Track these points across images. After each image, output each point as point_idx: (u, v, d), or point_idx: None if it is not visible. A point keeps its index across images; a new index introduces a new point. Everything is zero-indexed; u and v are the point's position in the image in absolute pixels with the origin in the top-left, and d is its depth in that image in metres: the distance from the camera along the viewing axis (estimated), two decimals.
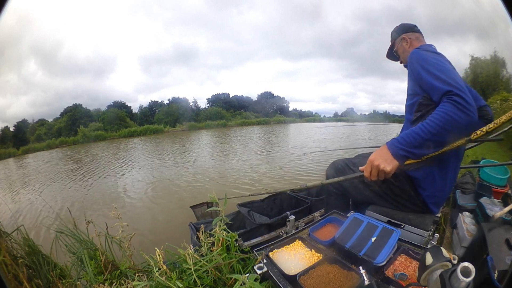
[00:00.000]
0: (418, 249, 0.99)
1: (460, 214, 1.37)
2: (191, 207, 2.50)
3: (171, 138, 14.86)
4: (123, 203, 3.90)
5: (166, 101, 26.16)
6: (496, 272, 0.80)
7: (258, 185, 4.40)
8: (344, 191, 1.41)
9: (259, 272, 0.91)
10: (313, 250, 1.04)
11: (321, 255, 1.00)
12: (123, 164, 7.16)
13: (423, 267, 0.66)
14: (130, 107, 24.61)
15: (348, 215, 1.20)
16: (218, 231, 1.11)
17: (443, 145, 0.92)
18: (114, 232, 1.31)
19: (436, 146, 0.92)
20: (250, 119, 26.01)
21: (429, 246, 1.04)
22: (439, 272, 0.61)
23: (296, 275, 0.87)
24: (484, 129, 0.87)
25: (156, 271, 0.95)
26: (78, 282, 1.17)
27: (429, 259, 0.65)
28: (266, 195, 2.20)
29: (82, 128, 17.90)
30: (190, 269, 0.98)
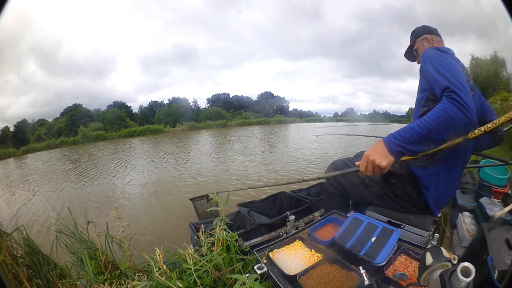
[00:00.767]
0: (418, 249, 0.99)
1: (460, 214, 1.37)
2: (191, 199, 2.51)
3: (171, 138, 14.86)
4: (123, 203, 3.90)
5: (166, 101, 26.19)
6: (496, 272, 0.80)
7: (257, 180, 4.41)
8: (344, 191, 1.41)
9: (259, 272, 0.91)
10: (313, 250, 1.04)
11: (321, 255, 1.00)
12: (122, 164, 7.16)
13: (423, 267, 0.66)
14: (130, 107, 24.64)
15: (348, 215, 1.20)
16: (218, 231, 1.11)
17: (440, 142, 0.92)
18: (114, 232, 1.31)
19: (433, 143, 0.92)
20: (250, 119, 26.01)
21: (429, 246, 1.04)
22: (439, 272, 0.61)
23: (296, 275, 0.87)
24: (483, 128, 0.87)
25: (156, 271, 0.96)
26: (78, 282, 1.17)
27: (429, 259, 0.65)
28: (266, 194, 2.19)
29: (82, 128, 17.90)
30: (190, 269, 0.98)
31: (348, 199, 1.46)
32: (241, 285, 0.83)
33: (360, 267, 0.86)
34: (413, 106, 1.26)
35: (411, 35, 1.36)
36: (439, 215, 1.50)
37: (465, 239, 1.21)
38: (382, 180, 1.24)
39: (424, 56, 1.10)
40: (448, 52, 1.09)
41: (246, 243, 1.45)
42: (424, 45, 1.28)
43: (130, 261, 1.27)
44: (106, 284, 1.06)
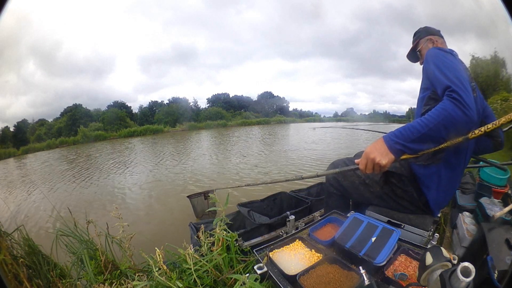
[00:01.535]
0: (418, 249, 0.99)
1: (460, 214, 1.37)
2: (188, 196, 2.51)
3: (170, 138, 14.86)
4: (122, 203, 3.90)
5: (166, 101, 26.18)
6: (496, 272, 0.80)
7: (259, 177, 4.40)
8: (344, 191, 1.41)
9: (259, 272, 0.91)
10: (313, 250, 1.04)
11: (321, 255, 1.00)
12: (122, 164, 7.16)
13: (423, 267, 0.66)
14: (130, 107, 24.60)
15: (348, 215, 1.20)
16: (218, 231, 1.11)
17: (440, 142, 0.92)
18: (114, 232, 1.31)
19: (432, 142, 0.92)
20: (250, 119, 26.01)
21: (429, 246, 1.04)
22: (439, 272, 0.61)
23: (296, 275, 0.87)
24: (483, 129, 0.87)
25: (156, 271, 0.96)
26: (78, 282, 1.17)
27: (429, 259, 0.65)
28: (266, 194, 2.19)
29: (82, 128, 17.89)
30: (190, 269, 0.98)
31: (348, 199, 1.46)
32: (241, 285, 0.83)
33: (360, 267, 0.86)
34: (413, 106, 1.27)
35: (414, 36, 1.36)
36: (439, 215, 1.50)
37: (465, 239, 1.21)
38: (382, 180, 1.24)
39: (427, 55, 1.10)
40: (452, 53, 1.09)
41: (246, 243, 1.45)
42: (428, 46, 1.28)
43: (130, 261, 1.27)
44: (106, 284, 1.06)
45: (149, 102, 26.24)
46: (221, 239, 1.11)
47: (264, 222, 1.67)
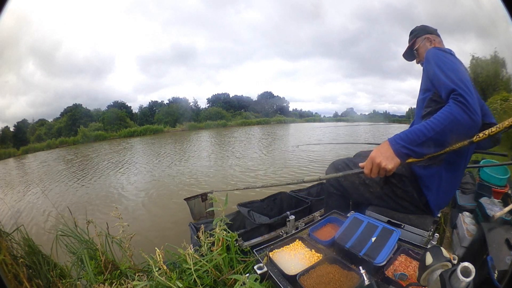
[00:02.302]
0: (418, 249, 0.99)
1: (460, 214, 1.37)
2: (185, 199, 2.51)
3: (170, 138, 14.86)
4: (122, 203, 3.90)
5: (166, 101, 26.20)
6: (496, 272, 0.80)
7: (256, 180, 4.41)
8: (344, 192, 1.41)
9: (259, 272, 0.91)
10: (313, 250, 1.04)
11: (321, 255, 1.00)
12: (122, 165, 7.16)
13: (423, 267, 0.66)
14: (130, 107, 24.63)
15: (348, 215, 1.20)
16: (218, 231, 1.11)
17: (445, 145, 0.92)
18: (114, 232, 1.31)
19: (438, 146, 0.92)
20: (250, 119, 26.01)
21: (429, 246, 1.04)
22: (439, 272, 0.61)
23: (296, 275, 0.87)
24: (487, 132, 0.87)
25: (156, 271, 0.96)
26: (78, 282, 1.17)
27: (429, 259, 0.65)
28: (266, 194, 2.19)
29: (82, 128, 17.89)
30: (190, 269, 0.98)
31: (348, 199, 1.46)
32: (241, 285, 0.83)
33: (360, 267, 0.86)
34: (413, 106, 1.26)
35: (411, 34, 1.36)
36: (439, 215, 1.50)
37: (465, 239, 1.21)
38: (382, 180, 1.24)
39: (428, 56, 1.09)
40: (451, 53, 1.09)
41: (246, 243, 1.45)
42: (426, 45, 1.28)
43: (130, 261, 1.27)
44: (106, 284, 1.06)
45: (149, 102, 26.29)
46: (221, 239, 1.11)
47: (264, 222, 1.67)
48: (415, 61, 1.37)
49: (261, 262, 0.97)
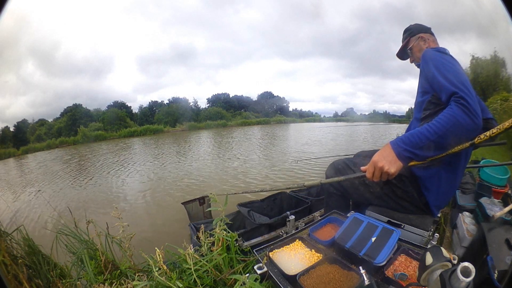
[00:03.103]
0: (418, 249, 0.99)
1: (460, 214, 1.37)
2: (182, 203, 2.51)
3: (170, 138, 14.86)
4: (122, 203, 3.90)
5: (166, 101, 26.21)
6: (496, 272, 0.80)
7: (257, 183, 4.41)
8: (344, 192, 1.41)
9: (259, 272, 0.91)
10: (313, 250, 1.04)
11: (321, 255, 1.00)
12: (121, 165, 7.16)
13: (423, 267, 0.66)
14: (130, 107, 24.64)
15: (348, 215, 1.20)
16: (218, 231, 1.11)
17: (447, 148, 0.92)
18: (114, 232, 1.31)
19: (440, 149, 0.92)
20: (250, 119, 26.02)
21: (429, 246, 1.04)
22: (439, 272, 0.61)
23: (296, 275, 0.87)
24: (488, 133, 0.88)
25: (156, 271, 0.96)
26: (78, 282, 1.17)
27: (429, 259, 0.65)
28: (266, 194, 2.19)
29: (82, 128, 17.89)
30: (190, 269, 0.98)
31: (348, 199, 1.45)
32: (241, 285, 0.83)
33: (360, 267, 0.86)
34: (413, 107, 1.25)
35: (404, 33, 1.35)
36: (439, 215, 1.50)
37: (465, 239, 1.21)
38: (382, 180, 1.24)
39: (425, 58, 1.08)
40: (448, 53, 1.09)
41: (246, 243, 1.45)
42: (420, 44, 1.27)
43: (130, 261, 1.27)
44: (106, 284, 1.06)
45: (149, 102, 26.31)
46: (221, 239, 1.11)
47: (264, 222, 1.67)
48: (409, 60, 1.37)
49: (261, 262, 0.97)
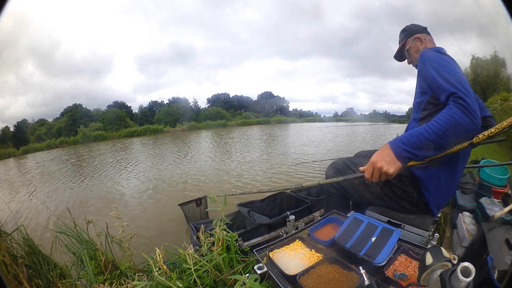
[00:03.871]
0: (418, 249, 0.99)
1: (460, 214, 1.37)
2: (179, 204, 2.51)
3: (170, 138, 14.86)
4: (122, 203, 3.90)
5: (166, 101, 26.23)
6: (496, 272, 0.80)
7: (255, 183, 4.41)
8: (344, 192, 1.41)
9: (259, 272, 0.91)
10: (313, 250, 1.04)
11: (321, 255, 1.00)
12: (121, 165, 7.16)
13: (423, 267, 0.66)
14: (130, 107, 24.68)
15: (348, 215, 1.20)
16: (218, 231, 1.11)
17: (446, 148, 0.92)
18: (114, 232, 1.31)
19: (439, 149, 0.92)
20: (250, 119, 26.03)
21: (429, 246, 1.04)
22: (439, 272, 0.61)
23: (296, 275, 0.87)
24: (486, 133, 0.88)
25: (156, 271, 0.96)
26: (78, 282, 1.17)
27: (429, 259, 0.65)
28: (266, 194, 2.19)
29: (82, 128, 17.90)
30: (190, 269, 0.98)
31: (348, 199, 1.45)
32: (241, 285, 0.83)
33: (360, 267, 0.86)
34: (412, 107, 1.25)
35: (401, 34, 1.34)
36: (439, 215, 1.50)
37: (465, 239, 1.21)
38: (382, 181, 1.24)
39: (423, 58, 1.08)
40: (446, 53, 1.09)
41: (246, 243, 1.45)
42: (417, 45, 1.26)
43: (130, 261, 1.27)
44: (106, 284, 1.06)
45: (149, 102, 26.37)
46: (221, 239, 1.11)
47: (264, 222, 1.67)
48: (406, 61, 1.36)
49: (261, 262, 0.97)
